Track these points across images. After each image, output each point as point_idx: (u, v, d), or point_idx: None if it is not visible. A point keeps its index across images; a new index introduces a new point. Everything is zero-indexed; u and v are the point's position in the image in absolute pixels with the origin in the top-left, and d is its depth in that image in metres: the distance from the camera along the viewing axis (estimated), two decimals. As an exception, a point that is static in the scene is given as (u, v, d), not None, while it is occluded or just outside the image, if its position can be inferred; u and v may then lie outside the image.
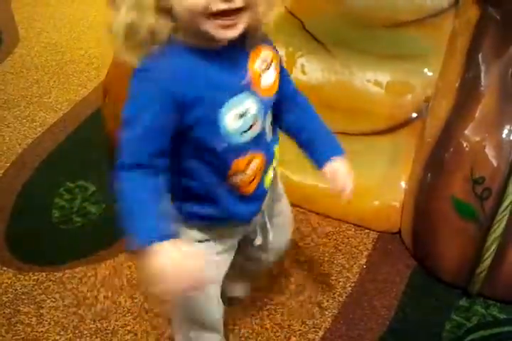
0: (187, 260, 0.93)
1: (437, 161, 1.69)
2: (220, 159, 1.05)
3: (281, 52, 1.95)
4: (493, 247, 1.56)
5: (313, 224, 1.97)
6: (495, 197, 1.55)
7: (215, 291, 1.26)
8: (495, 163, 1.55)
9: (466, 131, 1.64)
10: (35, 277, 1.78)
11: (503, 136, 1.58)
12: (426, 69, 2.02)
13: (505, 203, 1.52)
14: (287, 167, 1.88)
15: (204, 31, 0.94)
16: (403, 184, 1.91)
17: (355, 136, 2.01)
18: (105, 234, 1.92)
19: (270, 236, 1.28)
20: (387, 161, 1.94)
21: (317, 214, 2.00)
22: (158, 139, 0.99)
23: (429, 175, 1.73)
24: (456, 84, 1.75)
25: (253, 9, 0.96)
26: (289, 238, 1.41)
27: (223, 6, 0.91)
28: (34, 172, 2.22)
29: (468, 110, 1.66)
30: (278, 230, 1.31)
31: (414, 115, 1.98)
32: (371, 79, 2.06)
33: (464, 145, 1.62)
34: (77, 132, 2.44)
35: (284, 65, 1.20)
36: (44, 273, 1.79)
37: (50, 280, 1.77)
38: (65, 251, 1.88)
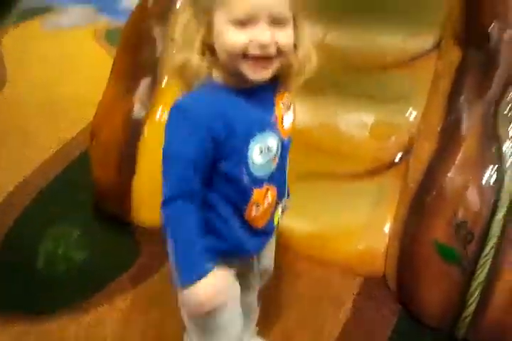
0: (224, 286, 1.13)
1: (420, 205, 1.68)
2: (242, 190, 1.13)
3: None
4: (477, 292, 1.54)
5: (299, 270, 1.94)
6: (477, 241, 1.53)
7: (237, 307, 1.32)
8: (477, 207, 1.55)
9: (449, 175, 1.63)
10: (17, 328, 1.72)
11: (485, 179, 1.57)
12: (410, 111, 2.04)
13: (488, 247, 1.50)
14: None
15: (239, 72, 1.06)
16: (388, 227, 1.89)
17: (341, 178, 2.01)
18: (89, 282, 1.87)
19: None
20: (372, 204, 1.93)
21: (302, 259, 1.97)
22: (202, 170, 1.09)
23: (412, 218, 1.71)
24: (439, 127, 1.76)
25: (285, 58, 1.09)
26: (273, 262, 1.46)
27: (258, 52, 1.04)
28: (20, 213, 2.20)
29: (451, 153, 1.66)
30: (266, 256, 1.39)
31: (399, 157, 1.99)
32: (356, 121, 2.07)
33: (447, 188, 1.62)
34: (64, 173, 2.43)
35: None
36: (26, 323, 1.73)
37: (32, 332, 1.70)
38: (47, 300, 1.82)
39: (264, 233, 1.24)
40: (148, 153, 1.90)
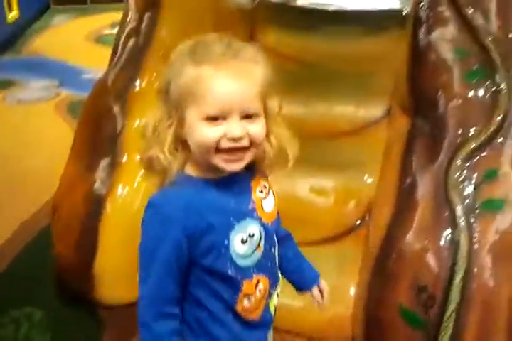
0: None
1: (382, 270, 1.71)
2: (230, 283, 1.10)
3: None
4: (443, 356, 1.55)
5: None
6: (439, 305, 1.55)
7: None
8: (436, 271, 1.58)
9: (407, 239, 1.67)
10: None
11: (442, 242, 1.61)
12: (366, 177, 2.10)
13: (449, 311, 1.53)
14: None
15: (213, 164, 1.07)
16: (353, 291, 1.91)
17: (302, 245, 2.02)
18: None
19: None
20: (334, 270, 1.95)
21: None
22: (180, 271, 1.07)
23: (375, 283, 1.74)
24: (394, 192, 1.81)
25: (257, 148, 1.10)
26: None
27: (230, 144, 1.05)
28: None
29: (407, 218, 1.71)
30: None
31: (358, 222, 2.03)
32: (314, 188, 2.12)
33: (406, 253, 1.65)
34: (24, 252, 2.39)
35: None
36: None
37: None
38: None
39: (261, 325, 1.19)
40: (110, 230, 1.90)
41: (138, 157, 1.15)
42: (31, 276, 2.25)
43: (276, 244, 1.21)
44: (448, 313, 1.53)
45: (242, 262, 1.10)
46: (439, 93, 1.81)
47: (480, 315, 1.57)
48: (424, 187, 1.72)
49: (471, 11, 1.84)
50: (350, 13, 2.94)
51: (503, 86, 1.75)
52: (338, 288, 1.93)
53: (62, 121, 3.69)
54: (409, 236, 1.67)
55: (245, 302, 1.13)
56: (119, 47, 2.13)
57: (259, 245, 1.12)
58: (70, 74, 4.66)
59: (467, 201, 1.64)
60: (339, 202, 2.06)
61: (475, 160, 1.69)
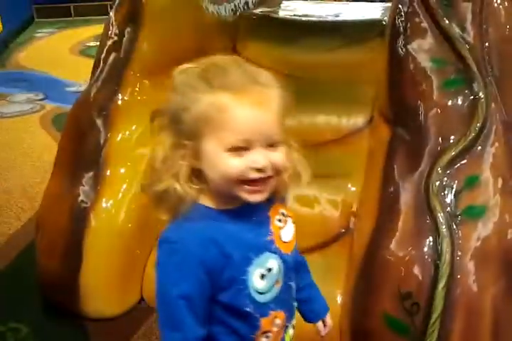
0: None
1: (366, 278, 1.73)
2: (248, 320, 1.05)
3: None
4: (429, 363, 1.56)
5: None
6: (424, 311, 1.57)
7: None
8: (419, 277, 1.60)
9: (390, 247, 1.69)
10: None
11: (425, 249, 1.63)
12: (350, 185, 2.12)
13: (434, 317, 1.54)
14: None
15: (235, 195, 1.01)
16: (339, 300, 1.92)
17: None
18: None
19: None
20: (320, 278, 1.94)
21: None
22: (202, 310, 1.01)
23: (360, 291, 1.75)
24: (377, 200, 1.83)
25: (280, 176, 1.04)
26: None
27: (255, 175, 0.99)
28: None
29: (390, 226, 1.73)
30: None
31: (343, 230, 2.05)
32: (299, 197, 2.13)
33: (389, 261, 1.67)
34: (10, 267, 2.37)
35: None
36: None
37: None
38: None
39: None
40: (95, 243, 1.91)
41: (151, 190, 1.05)
42: (17, 291, 2.23)
43: (294, 275, 1.16)
44: (433, 319, 1.54)
45: (260, 298, 1.05)
46: (419, 102, 1.84)
47: (464, 320, 1.59)
48: (406, 195, 1.74)
49: (447, 21, 1.87)
50: (331, 23, 2.98)
51: (480, 94, 1.77)
52: (324, 297, 1.95)
53: (46, 134, 3.69)
54: (393, 244, 1.69)
55: (263, 340, 1.08)
56: (101, 62, 2.14)
57: (277, 279, 1.08)
58: (55, 87, 4.66)
59: (448, 208, 1.66)
60: (323, 211, 2.07)
61: (455, 167, 1.72)
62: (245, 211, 1.04)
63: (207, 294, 1.01)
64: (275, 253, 1.07)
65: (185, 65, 1.04)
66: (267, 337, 1.08)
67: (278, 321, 1.09)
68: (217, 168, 1.00)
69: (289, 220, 1.14)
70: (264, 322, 1.06)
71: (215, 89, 0.98)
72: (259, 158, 0.99)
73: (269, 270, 1.05)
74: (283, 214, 1.13)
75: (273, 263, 1.06)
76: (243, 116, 0.98)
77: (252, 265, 1.03)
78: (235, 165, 0.99)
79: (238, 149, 0.98)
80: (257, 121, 0.98)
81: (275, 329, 1.09)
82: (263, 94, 0.99)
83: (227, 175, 0.99)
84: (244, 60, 1.07)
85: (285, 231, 1.12)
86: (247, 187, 1.00)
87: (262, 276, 1.04)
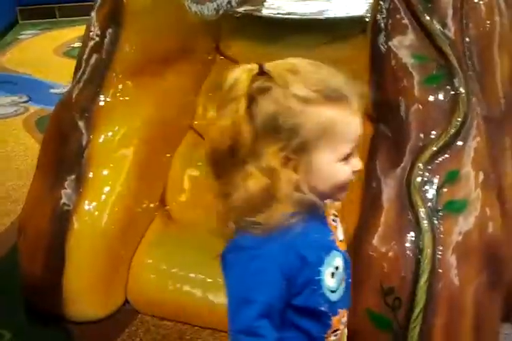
0: None
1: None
2: (321, 319, 1.06)
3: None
4: (412, 357, 1.58)
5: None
6: (406, 306, 1.58)
7: None
8: (401, 273, 1.61)
9: (373, 242, 1.70)
10: None
11: (406, 245, 1.65)
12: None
13: (416, 312, 1.56)
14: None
15: (333, 198, 1.08)
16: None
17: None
18: None
19: None
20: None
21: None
22: (278, 313, 1.01)
23: (344, 287, 1.76)
24: (360, 196, 1.84)
25: None
26: None
27: (353, 178, 1.06)
28: None
29: (372, 221, 1.74)
30: None
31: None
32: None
33: (372, 256, 1.68)
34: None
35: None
36: None
37: None
38: None
39: None
40: (78, 246, 1.90)
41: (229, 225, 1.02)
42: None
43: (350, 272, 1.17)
44: (415, 314, 1.56)
45: (332, 296, 1.06)
46: (400, 98, 1.85)
47: (447, 314, 1.60)
48: (388, 191, 1.76)
49: (427, 17, 1.88)
50: (315, 21, 2.98)
51: (461, 89, 1.79)
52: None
53: (30, 137, 3.66)
54: (375, 240, 1.70)
55: (332, 338, 1.10)
56: (83, 63, 2.13)
57: (343, 277, 1.09)
58: (39, 89, 4.62)
59: (430, 203, 1.67)
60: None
61: (436, 162, 1.73)
62: (314, 213, 1.05)
63: (285, 299, 1.02)
64: (338, 251, 1.09)
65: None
66: (336, 335, 1.10)
67: (344, 319, 1.12)
68: (331, 178, 1.03)
69: (338, 219, 1.16)
70: (334, 320, 1.08)
71: (332, 101, 1.00)
72: (358, 161, 1.05)
73: (337, 268, 1.07)
74: (334, 214, 1.15)
75: (339, 261, 1.08)
76: (354, 125, 1.02)
77: (324, 264, 1.04)
78: (346, 172, 1.03)
79: (348, 156, 1.02)
80: (359, 128, 1.03)
81: (342, 327, 1.11)
82: (355, 99, 1.03)
83: (338, 183, 1.04)
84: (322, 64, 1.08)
85: (338, 230, 1.14)
86: (345, 188, 1.06)
87: (332, 275, 1.05)
